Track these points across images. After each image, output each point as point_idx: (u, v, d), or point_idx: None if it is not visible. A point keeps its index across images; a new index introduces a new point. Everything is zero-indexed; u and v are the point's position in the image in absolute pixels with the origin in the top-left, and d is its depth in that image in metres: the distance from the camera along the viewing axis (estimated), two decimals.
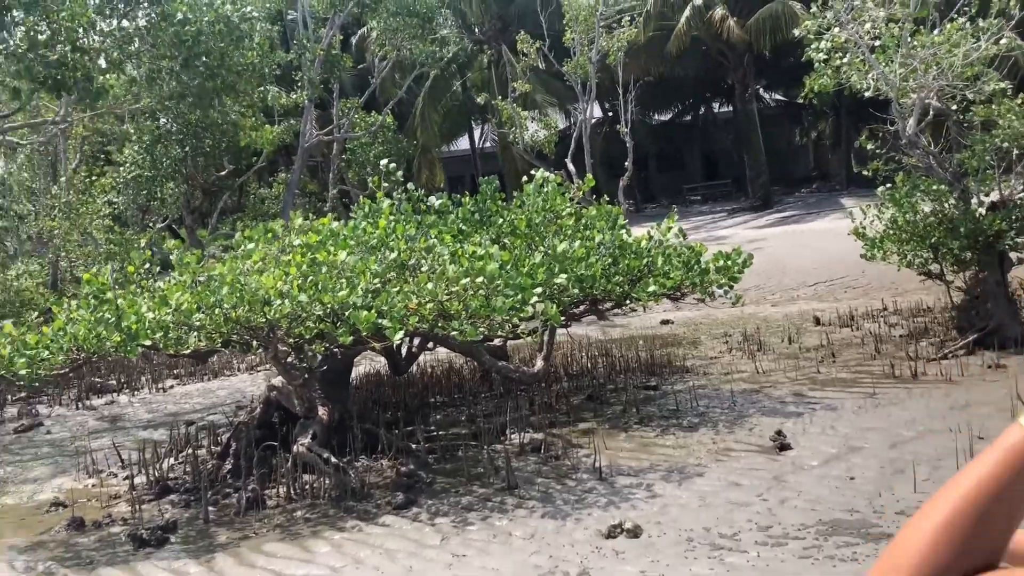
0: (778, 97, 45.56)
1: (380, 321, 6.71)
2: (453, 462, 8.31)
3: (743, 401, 9.37)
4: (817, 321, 14.22)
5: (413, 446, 8.62)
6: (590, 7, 27.98)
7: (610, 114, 39.24)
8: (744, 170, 37.76)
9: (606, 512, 6.33)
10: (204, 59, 11.89)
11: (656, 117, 41.91)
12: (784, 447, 7.44)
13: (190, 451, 9.15)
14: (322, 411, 8.50)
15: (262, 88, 18.02)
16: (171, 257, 8.61)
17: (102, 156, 28.92)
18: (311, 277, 7.32)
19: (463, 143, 44.00)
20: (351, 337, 6.82)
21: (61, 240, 20.27)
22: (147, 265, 8.58)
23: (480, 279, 6.63)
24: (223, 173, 21.56)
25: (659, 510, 6.27)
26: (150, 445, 9.88)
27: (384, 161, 11.55)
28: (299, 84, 21.17)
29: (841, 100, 38.33)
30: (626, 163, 26.83)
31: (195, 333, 7.47)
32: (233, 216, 29.23)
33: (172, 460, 9.37)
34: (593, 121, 29.62)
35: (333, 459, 7.94)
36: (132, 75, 13.35)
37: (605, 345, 13.91)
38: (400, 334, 6.64)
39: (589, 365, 12.27)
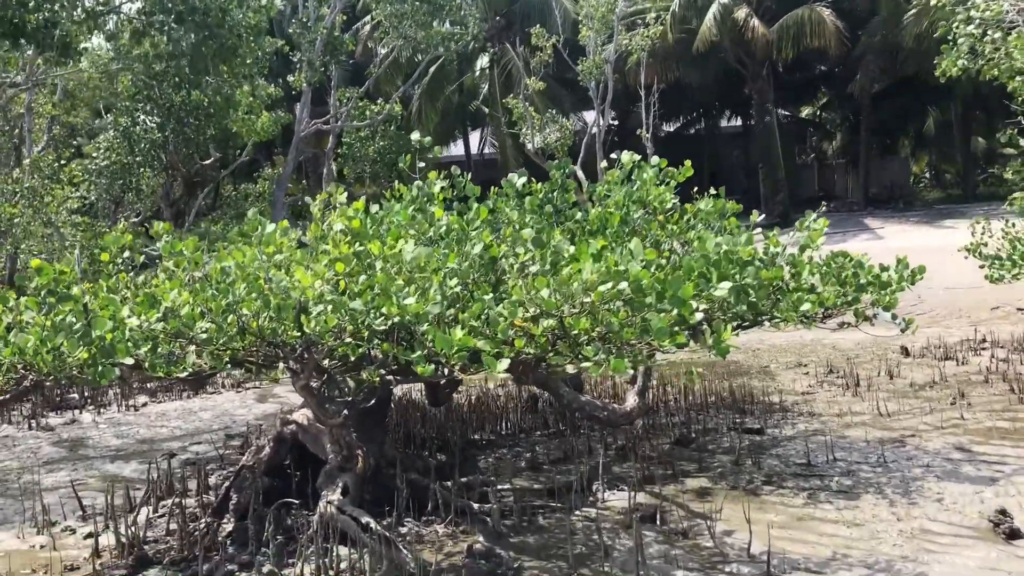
0: (784, 113, 43.93)
1: (477, 344, 4.57)
2: (535, 533, 6.16)
3: (894, 456, 7.31)
4: (906, 352, 12.25)
5: (475, 506, 6.45)
6: (608, 3, 26.08)
7: (615, 122, 37.32)
8: (754, 186, 35.93)
9: None
10: (202, 15, 9.72)
11: (663, 127, 40.03)
12: (1014, 535, 5.38)
13: (175, 500, 6.91)
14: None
15: (257, 67, 15.76)
16: (159, 246, 6.42)
17: (73, 145, 26.52)
18: (363, 276, 5.17)
19: (455, 149, 41.91)
20: (431, 364, 4.66)
21: (22, 230, 17.88)
22: (127, 253, 6.35)
23: (623, 286, 4.50)
24: (208, 162, 19.26)
25: None
26: (120, 486, 7.67)
27: (415, 135, 9.39)
28: (297, 66, 18.99)
29: (859, 118, 36.77)
30: None
31: (193, 348, 5.28)
32: (211, 215, 26.91)
33: (150, 511, 7.12)
34: (597, 129, 27.66)
35: (374, 524, 5.78)
36: (111, 31, 11.15)
37: (663, 375, 11.83)
38: (504, 364, 4.50)
39: (656, 400, 10.16)
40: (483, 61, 37.95)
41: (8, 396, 4.99)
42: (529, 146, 27.08)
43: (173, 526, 6.62)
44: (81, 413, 11.96)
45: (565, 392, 7.18)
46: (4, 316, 5.39)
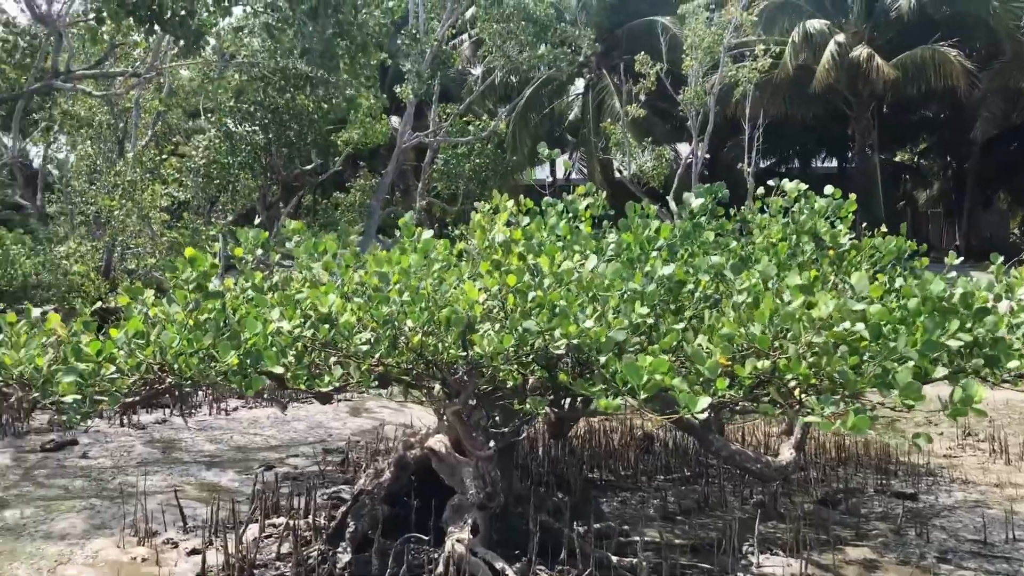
0: (880, 156, 42.60)
1: (670, 379, 3.94)
2: None
3: None
4: None
5: (615, 558, 5.79)
6: (715, 34, 25.43)
7: (707, 156, 36.52)
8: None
9: None
10: (337, 14, 9.37)
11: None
12: None
13: (288, 521, 6.38)
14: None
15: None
16: (290, 245, 5.97)
17: (172, 142, 26.77)
18: (533, 293, 4.59)
19: (539, 173, 41.55)
20: (615, 398, 4.05)
21: (119, 223, 17.88)
22: (259, 251, 5.89)
23: (860, 326, 3.84)
24: (308, 168, 19.06)
25: None
26: (220, 497, 7.20)
27: (543, 147, 8.87)
28: (406, 78, 18.68)
29: (964, 166, 35.33)
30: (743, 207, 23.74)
31: (334, 359, 4.76)
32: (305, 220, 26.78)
33: (256, 528, 6.62)
34: (692, 161, 26.91)
35: (510, 571, 5.18)
36: (242, 23, 10.92)
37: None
38: (705, 402, 3.86)
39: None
40: (578, 86, 37.58)
41: (139, 399, 4.52)
42: (624, 173, 26.50)
43: (284, 549, 6.10)
44: (172, 413, 11.62)
45: (714, 438, 6.49)
46: (132, 309, 4.94)
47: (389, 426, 10.57)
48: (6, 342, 4.18)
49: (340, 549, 5.96)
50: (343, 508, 6.29)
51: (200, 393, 12.71)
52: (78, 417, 3.90)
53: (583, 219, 6.64)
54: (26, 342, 4.04)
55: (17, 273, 13.84)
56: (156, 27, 9.09)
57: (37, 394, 3.91)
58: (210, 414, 11.69)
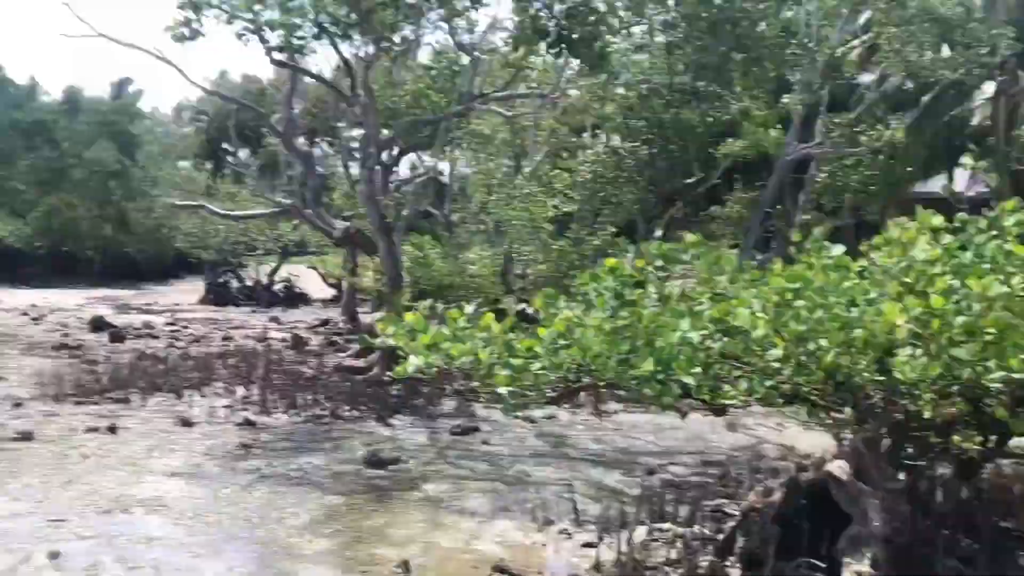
0: None
1: None
2: None
3: None
4: None
5: None
6: None
7: None
8: None
9: None
10: (734, 27, 9.43)
11: None
12: None
13: (678, 532, 6.53)
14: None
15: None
16: (686, 257, 6.06)
17: (561, 158, 28.49)
18: (962, 318, 4.23)
19: (931, 185, 37.99)
20: None
21: (517, 231, 19.41)
22: (659, 262, 6.06)
23: None
24: (689, 181, 19.27)
25: None
26: (607, 495, 7.56)
27: (968, 159, 8.03)
28: (793, 88, 18.14)
29: None
30: None
31: (738, 373, 4.77)
32: (667, 234, 27.03)
33: (643, 531, 6.83)
34: None
35: None
36: (641, 41, 11.40)
37: None
38: None
39: None
40: (983, 91, 33.89)
41: (558, 395, 4.90)
42: None
43: (671, 555, 6.24)
44: (558, 409, 12.30)
45: None
46: (547, 311, 5.34)
47: (768, 445, 10.35)
48: (451, 336, 4.76)
49: (728, 563, 5.97)
50: (732, 523, 6.29)
51: (582, 394, 13.41)
52: (512, 406, 4.34)
53: (1009, 238, 6.00)
54: (469, 336, 4.57)
55: (434, 275, 15.61)
56: (564, 50, 9.78)
57: (477, 383, 4.41)
58: (592, 413, 12.25)
